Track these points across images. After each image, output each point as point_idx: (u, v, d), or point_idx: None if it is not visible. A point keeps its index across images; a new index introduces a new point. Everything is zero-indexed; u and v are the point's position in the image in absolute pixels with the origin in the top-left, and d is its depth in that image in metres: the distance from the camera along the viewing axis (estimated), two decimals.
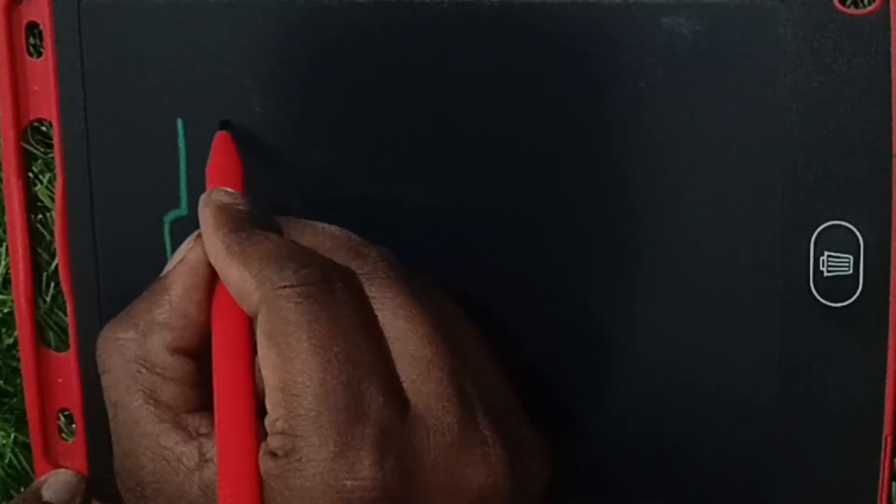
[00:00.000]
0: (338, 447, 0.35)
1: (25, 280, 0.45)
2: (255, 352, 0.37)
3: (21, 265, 0.45)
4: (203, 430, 0.37)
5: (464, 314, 0.39)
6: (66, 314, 0.45)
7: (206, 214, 0.38)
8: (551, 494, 0.41)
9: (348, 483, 0.35)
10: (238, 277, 0.36)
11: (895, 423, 0.39)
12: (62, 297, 0.45)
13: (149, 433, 0.37)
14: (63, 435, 0.45)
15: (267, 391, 0.36)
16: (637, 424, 0.41)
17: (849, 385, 0.39)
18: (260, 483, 0.36)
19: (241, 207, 0.38)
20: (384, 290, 0.37)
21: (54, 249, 0.45)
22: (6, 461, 0.46)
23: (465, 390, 0.36)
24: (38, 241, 0.45)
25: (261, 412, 0.36)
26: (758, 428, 0.40)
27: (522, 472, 0.38)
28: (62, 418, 0.45)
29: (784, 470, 0.40)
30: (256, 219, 0.38)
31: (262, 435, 0.36)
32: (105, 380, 0.38)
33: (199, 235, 0.38)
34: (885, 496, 0.39)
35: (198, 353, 0.38)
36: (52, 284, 0.45)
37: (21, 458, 0.46)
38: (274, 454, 0.35)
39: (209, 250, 0.38)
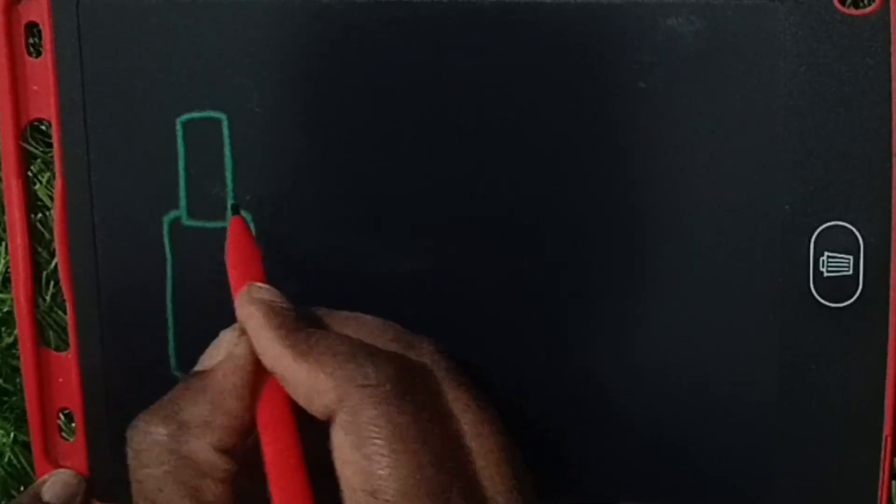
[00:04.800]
0: None
1: (25, 279, 0.45)
2: (303, 449, 0.36)
3: (21, 264, 0.45)
4: None
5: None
6: (66, 313, 0.45)
7: (254, 314, 0.37)
8: (551, 495, 0.42)
9: None
10: (309, 378, 0.36)
11: (895, 423, 0.39)
12: (62, 296, 0.45)
13: None
14: (63, 435, 0.45)
15: (349, 493, 0.35)
16: (637, 424, 0.41)
17: (849, 385, 0.39)
18: None
19: (284, 305, 0.38)
20: (449, 382, 0.37)
21: (54, 249, 0.44)
22: (6, 460, 0.46)
23: (519, 479, 0.37)
24: (37, 240, 0.45)
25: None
26: (758, 428, 0.40)
27: None
28: (62, 418, 0.45)
29: (784, 470, 0.40)
30: (303, 313, 0.38)
31: None
32: (140, 475, 0.37)
33: (239, 331, 0.38)
34: (885, 496, 0.39)
35: (238, 451, 0.37)
36: (52, 283, 0.45)
37: (21, 457, 0.46)
38: None
39: (266, 350, 0.37)
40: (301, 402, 0.36)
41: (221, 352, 0.38)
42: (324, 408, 0.36)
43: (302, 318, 0.38)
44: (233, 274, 0.39)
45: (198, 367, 0.38)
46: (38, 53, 0.43)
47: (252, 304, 0.38)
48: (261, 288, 0.38)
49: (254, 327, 0.37)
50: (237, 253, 0.40)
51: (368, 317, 0.39)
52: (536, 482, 0.39)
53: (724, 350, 0.40)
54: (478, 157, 0.41)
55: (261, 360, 0.37)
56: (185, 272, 0.43)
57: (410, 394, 0.36)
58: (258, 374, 0.37)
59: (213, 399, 0.37)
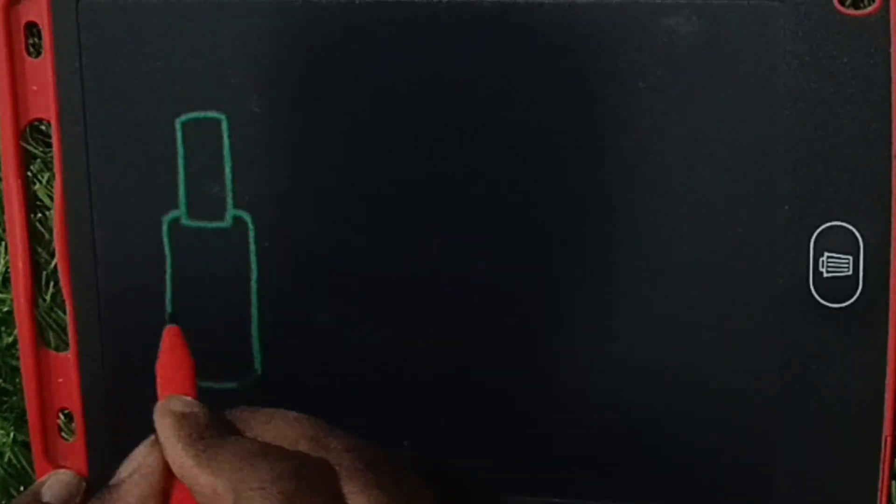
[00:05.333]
0: None
1: (25, 279, 0.45)
2: None
3: (20, 264, 0.45)
4: None
5: (434, 494, 0.39)
6: (65, 313, 0.45)
7: (164, 425, 0.38)
8: (552, 495, 0.42)
9: None
10: (209, 484, 0.36)
11: (895, 423, 0.39)
12: (62, 296, 0.45)
13: None
14: (63, 435, 0.45)
15: None
16: (637, 424, 0.41)
17: (849, 385, 0.39)
18: None
19: (198, 413, 0.38)
20: (352, 482, 0.37)
21: (54, 249, 0.44)
22: (6, 460, 0.46)
23: None
24: (37, 240, 0.45)
25: None
26: (758, 428, 0.40)
27: None
28: (62, 418, 0.45)
29: (784, 470, 0.40)
30: (215, 421, 0.38)
31: None
32: None
33: (153, 442, 0.38)
34: (884, 496, 0.39)
35: None
36: (52, 284, 0.45)
37: (21, 457, 0.46)
38: None
39: (174, 461, 0.37)
40: None
41: (134, 463, 0.38)
42: None
43: (215, 425, 0.38)
44: (160, 381, 0.39)
45: (113, 480, 0.38)
46: (38, 53, 0.43)
47: (165, 415, 0.38)
48: (178, 399, 0.39)
49: (164, 437, 0.38)
50: (168, 361, 0.40)
51: (289, 413, 0.39)
52: None
53: (724, 350, 0.40)
54: (477, 156, 0.41)
55: (171, 467, 0.38)
56: (184, 272, 0.43)
57: (306, 492, 0.36)
58: (168, 481, 0.38)
59: None
